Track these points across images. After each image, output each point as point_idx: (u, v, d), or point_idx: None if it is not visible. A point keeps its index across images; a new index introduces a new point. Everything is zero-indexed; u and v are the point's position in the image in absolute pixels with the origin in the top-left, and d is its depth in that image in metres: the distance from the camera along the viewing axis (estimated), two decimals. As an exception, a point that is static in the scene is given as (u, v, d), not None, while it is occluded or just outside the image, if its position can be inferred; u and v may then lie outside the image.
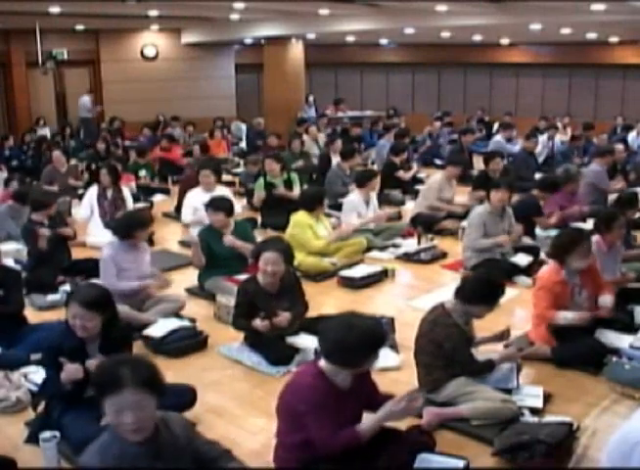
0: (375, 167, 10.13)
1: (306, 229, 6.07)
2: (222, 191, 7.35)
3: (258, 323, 4.33)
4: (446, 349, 3.65)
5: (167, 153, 10.95)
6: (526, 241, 6.39)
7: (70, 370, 3.26)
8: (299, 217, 6.21)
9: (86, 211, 7.28)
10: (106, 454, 2.28)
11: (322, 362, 2.92)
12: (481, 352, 3.95)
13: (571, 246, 4.32)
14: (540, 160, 10.76)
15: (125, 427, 2.25)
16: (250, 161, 9.43)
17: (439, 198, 7.65)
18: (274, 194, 7.81)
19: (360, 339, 2.81)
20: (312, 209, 6.21)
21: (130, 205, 7.55)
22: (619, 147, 9.40)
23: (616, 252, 5.16)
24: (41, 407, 3.57)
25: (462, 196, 8.41)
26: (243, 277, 5.46)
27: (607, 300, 4.46)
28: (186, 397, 3.66)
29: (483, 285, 3.73)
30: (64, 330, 3.41)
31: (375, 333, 2.89)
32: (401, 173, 9.36)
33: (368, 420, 2.93)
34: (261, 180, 7.90)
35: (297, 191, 7.87)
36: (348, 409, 2.94)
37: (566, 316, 4.28)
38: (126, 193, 7.58)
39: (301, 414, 2.83)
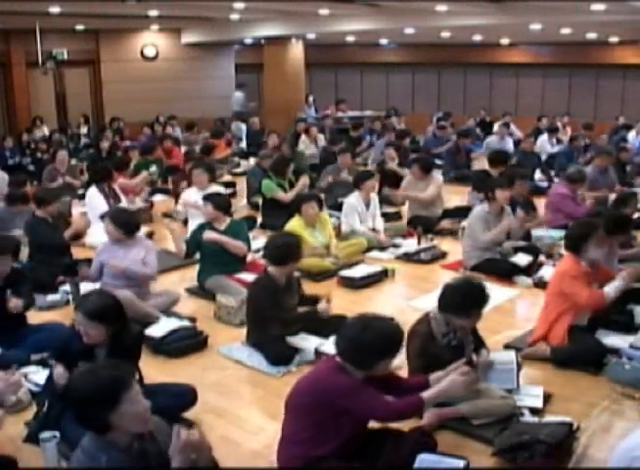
0: (374, 168, 10.12)
1: None
2: (217, 189, 7.36)
3: (324, 306, 4.54)
4: (410, 354, 3.63)
5: (169, 156, 10.84)
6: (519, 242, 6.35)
7: (59, 373, 3.29)
8: (291, 225, 6.18)
9: (105, 206, 7.21)
10: (95, 463, 2.29)
11: (339, 359, 2.96)
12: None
13: (587, 233, 4.36)
14: (543, 158, 10.79)
15: (144, 413, 2.35)
16: (264, 155, 9.41)
17: (412, 195, 7.60)
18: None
19: (374, 340, 2.85)
20: (299, 211, 6.17)
21: (124, 203, 7.56)
22: (630, 146, 9.41)
23: (614, 252, 5.17)
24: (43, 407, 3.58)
25: (462, 196, 8.41)
26: (243, 276, 5.49)
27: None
28: (186, 397, 3.66)
29: (462, 295, 3.55)
30: (72, 332, 3.42)
31: (389, 336, 2.91)
32: (394, 165, 9.34)
33: (434, 391, 3.04)
34: (266, 181, 7.82)
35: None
36: None
37: (615, 285, 4.28)
38: (119, 191, 7.60)
39: (332, 402, 2.84)
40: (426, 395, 3.01)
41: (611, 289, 4.27)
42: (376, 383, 3.01)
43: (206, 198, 5.78)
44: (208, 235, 5.51)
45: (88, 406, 2.31)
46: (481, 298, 3.56)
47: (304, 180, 7.96)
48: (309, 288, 4.91)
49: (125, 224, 5.04)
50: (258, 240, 6.71)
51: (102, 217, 5.26)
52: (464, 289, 3.60)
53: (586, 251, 4.36)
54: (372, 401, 2.91)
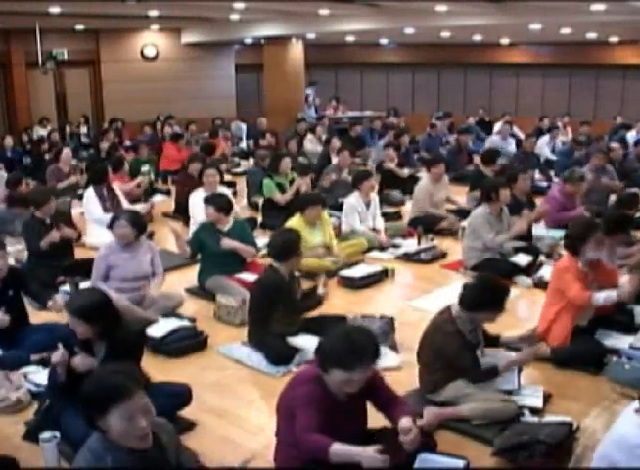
0: (373, 167, 10.12)
1: None
2: (223, 191, 7.34)
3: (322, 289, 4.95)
4: (446, 354, 3.65)
5: (178, 155, 10.81)
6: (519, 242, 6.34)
7: (57, 355, 3.29)
8: (292, 223, 6.21)
9: (99, 211, 7.20)
10: (101, 463, 2.27)
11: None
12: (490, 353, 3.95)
13: (586, 234, 4.36)
14: (542, 159, 10.78)
15: (137, 432, 2.25)
16: (260, 156, 9.42)
17: (433, 202, 7.52)
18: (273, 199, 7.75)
19: (331, 345, 2.81)
20: (306, 206, 6.18)
21: (125, 203, 7.55)
22: (615, 145, 9.39)
23: (613, 251, 5.16)
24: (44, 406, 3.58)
25: (461, 196, 8.40)
26: (243, 276, 5.49)
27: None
28: (181, 397, 3.64)
29: (485, 292, 3.67)
30: (70, 331, 3.42)
31: (345, 347, 2.76)
32: (392, 166, 9.33)
33: (346, 448, 2.71)
34: (267, 181, 7.80)
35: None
36: (341, 421, 2.88)
37: (609, 294, 4.18)
38: (118, 191, 7.58)
39: (293, 410, 2.83)
40: (334, 448, 2.68)
41: (601, 296, 4.20)
42: (364, 393, 2.97)
43: (208, 200, 5.75)
44: (227, 243, 5.51)
45: (83, 403, 2.32)
46: (507, 291, 3.76)
47: (300, 181, 7.85)
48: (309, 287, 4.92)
49: (139, 225, 5.08)
50: (259, 240, 6.70)
51: (112, 222, 5.11)
52: (491, 285, 3.74)
53: (585, 251, 4.37)
54: (303, 420, 2.77)
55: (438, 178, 7.62)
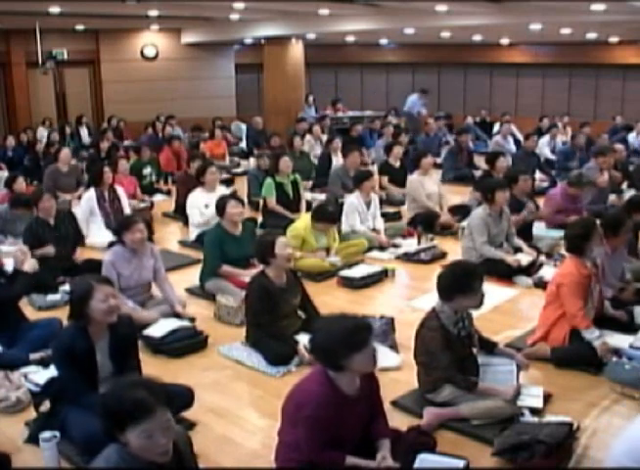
0: (375, 168, 10.12)
1: (295, 239, 6.05)
2: (223, 191, 7.34)
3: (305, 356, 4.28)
4: (430, 350, 3.65)
5: (178, 157, 10.84)
6: (518, 242, 6.34)
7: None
8: (297, 224, 6.20)
9: (84, 214, 7.21)
10: None
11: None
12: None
13: (588, 231, 4.35)
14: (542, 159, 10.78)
15: (157, 450, 2.18)
16: (260, 155, 9.43)
17: (427, 195, 7.62)
18: (272, 208, 7.70)
19: (331, 339, 2.81)
20: (317, 220, 6.17)
21: (126, 204, 7.54)
22: (619, 147, 9.37)
23: (619, 254, 5.14)
24: (44, 407, 3.58)
25: (462, 196, 8.41)
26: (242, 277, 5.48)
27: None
28: (184, 398, 3.64)
29: (457, 275, 3.68)
30: (74, 333, 3.39)
31: (346, 329, 2.81)
32: (397, 164, 9.35)
33: (362, 461, 2.92)
34: (269, 181, 7.78)
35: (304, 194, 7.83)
36: (354, 416, 2.93)
37: (597, 337, 4.20)
38: (121, 192, 7.57)
39: (298, 419, 2.84)
40: (353, 461, 2.90)
41: (596, 334, 4.21)
42: (369, 392, 2.99)
43: (237, 198, 5.74)
44: (228, 271, 5.48)
45: (101, 416, 2.24)
46: (478, 269, 3.81)
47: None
48: (309, 288, 4.90)
49: (150, 226, 5.05)
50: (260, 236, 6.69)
51: (126, 225, 4.96)
52: (459, 268, 3.78)
53: (591, 249, 4.36)
54: (308, 439, 2.83)
55: (427, 169, 7.80)
